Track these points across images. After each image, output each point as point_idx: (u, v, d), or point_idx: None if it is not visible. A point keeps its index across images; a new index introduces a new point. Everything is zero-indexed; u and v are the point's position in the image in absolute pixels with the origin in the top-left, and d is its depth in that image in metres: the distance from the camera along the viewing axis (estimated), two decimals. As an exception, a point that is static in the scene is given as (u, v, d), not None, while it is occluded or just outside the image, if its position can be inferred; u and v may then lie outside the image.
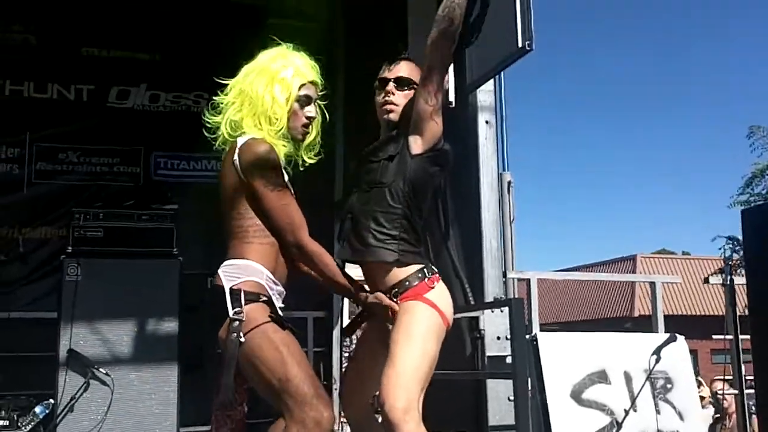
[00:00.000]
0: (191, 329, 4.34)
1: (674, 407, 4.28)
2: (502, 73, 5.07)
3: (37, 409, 4.10)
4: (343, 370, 6.78)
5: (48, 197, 5.99)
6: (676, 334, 4.45)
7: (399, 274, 2.74)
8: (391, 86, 2.90)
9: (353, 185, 2.97)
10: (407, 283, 2.72)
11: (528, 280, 4.40)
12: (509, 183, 5.13)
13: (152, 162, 6.40)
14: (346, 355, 6.96)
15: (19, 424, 4.05)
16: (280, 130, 2.69)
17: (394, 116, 2.89)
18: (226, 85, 2.75)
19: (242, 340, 2.45)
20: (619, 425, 4.08)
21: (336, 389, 6.74)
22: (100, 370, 4.18)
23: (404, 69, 2.93)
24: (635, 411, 4.17)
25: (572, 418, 4.03)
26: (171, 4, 6.01)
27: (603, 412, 4.13)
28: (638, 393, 4.20)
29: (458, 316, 4.81)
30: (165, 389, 4.27)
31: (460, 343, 4.90)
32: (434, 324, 2.71)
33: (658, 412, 4.22)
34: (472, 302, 4.81)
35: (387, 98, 2.89)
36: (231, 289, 2.51)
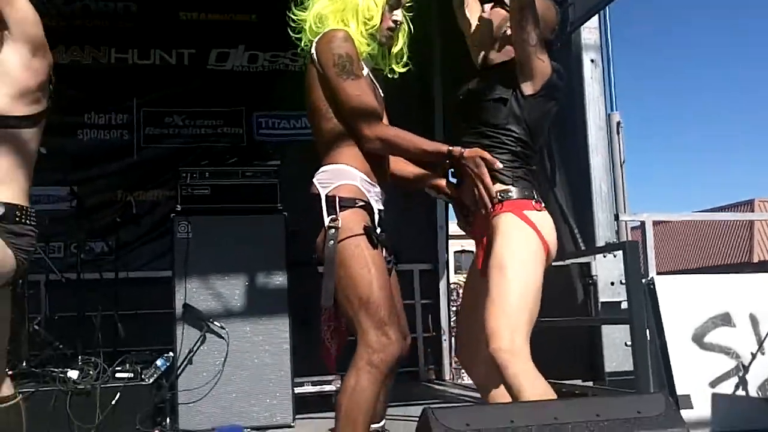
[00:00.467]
0: (299, 284, 4.37)
1: (806, 349, 4.04)
2: (606, 9, 4.85)
3: (158, 362, 4.23)
4: (452, 321, 6.77)
5: (157, 160, 6.19)
6: (805, 273, 4.21)
7: (505, 184, 2.56)
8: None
9: (458, 120, 2.84)
10: (510, 193, 2.54)
11: (642, 223, 4.21)
12: (618, 123, 4.92)
13: (254, 122, 6.50)
14: (454, 308, 6.95)
15: (142, 376, 4.19)
16: (372, 27, 2.61)
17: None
18: None
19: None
20: (746, 369, 3.90)
21: (445, 339, 6.75)
22: (215, 323, 4.27)
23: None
24: (762, 354, 3.97)
25: (694, 362, 3.87)
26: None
27: (728, 355, 3.95)
28: (766, 335, 3.99)
29: (569, 261, 4.69)
30: (278, 341, 4.32)
31: (571, 290, 4.78)
32: (535, 248, 2.49)
33: (788, 355, 4.00)
34: (583, 248, 4.67)
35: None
36: (326, 196, 2.47)
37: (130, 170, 6.15)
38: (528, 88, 2.62)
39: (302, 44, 2.67)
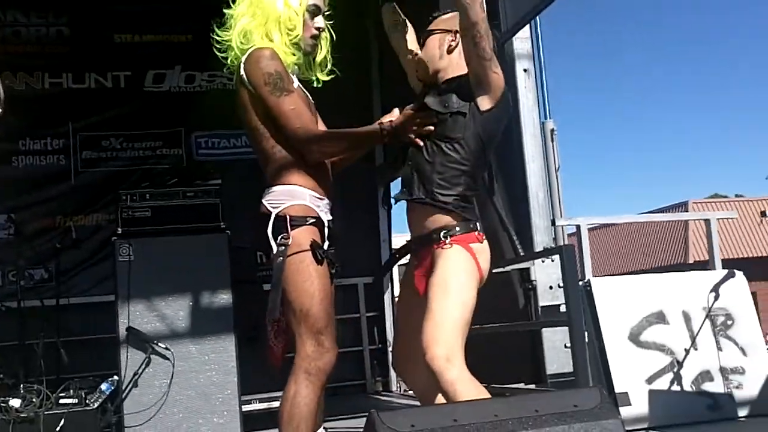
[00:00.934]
0: (244, 301, 4.38)
1: (736, 343, 4.21)
2: (537, 19, 5.00)
3: (103, 386, 4.19)
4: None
5: (95, 185, 6.13)
6: (735, 270, 4.37)
7: (451, 220, 2.70)
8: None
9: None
10: (457, 228, 2.69)
11: (578, 227, 4.34)
12: (552, 131, 5.07)
13: (193, 142, 6.49)
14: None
15: (87, 401, 4.15)
16: (295, 38, 2.69)
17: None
18: None
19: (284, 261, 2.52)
20: (680, 364, 4.04)
21: (391, 351, 6.80)
22: (160, 345, 4.25)
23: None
24: (696, 349, 4.11)
25: (631, 360, 4.00)
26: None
27: (662, 352, 4.08)
28: (698, 331, 4.14)
29: (508, 268, 4.80)
30: (224, 359, 4.32)
31: (512, 296, 4.89)
32: (472, 274, 2.67)
33: (719, 349, 4.16)
34: (522, 253, 4.79)
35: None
36: (276, 216, 2.57)
37: (68, 195, 6.08)
38: (485, 102, 2.70)
39: (229, 63, 2.74)
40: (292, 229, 2.55)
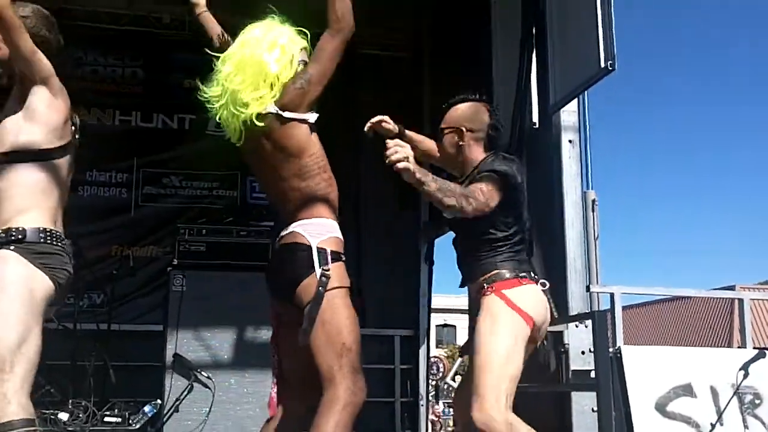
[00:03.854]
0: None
1: (763, 423, 4.23)
2: (585, 92, 5.19)
3: (146, 408, 4.41)
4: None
5: (154, 218, 6.43)
6: (766, 350, 4.42)
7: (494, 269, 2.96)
8: None
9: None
10: (497, 275, 2.93)
11: (612, 294, 4.46)
12: (593, 201, 5.21)
13: (248, 186, 6.77)
14: (432, 382, 7.07)
15: (130, 421, 4.36)
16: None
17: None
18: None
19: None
20: (706, 439, 4.08)
21: (422, 405, 6.89)
22: (203, 373, 4.45)
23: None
24: (722, 425, 4.15)
25: (657, 430, 4.05)
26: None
27: (688, 424, 4.12)
28: (725, 407, 4.17)
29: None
30: (261, 393, 4.50)
31: (545, 358, 4.98)
32: (515, 326, 2.86)
33: (746, 427, 4.19)
34: (556, 316, 4.89)
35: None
36: (318, 248, 2.65)
37: (127, 226, 6.38)
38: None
39: (218, 115, 2.91)
40: (332, 262, 2.63)
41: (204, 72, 6.84)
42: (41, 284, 2.45)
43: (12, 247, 2.43)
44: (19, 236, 2.44)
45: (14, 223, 2.47)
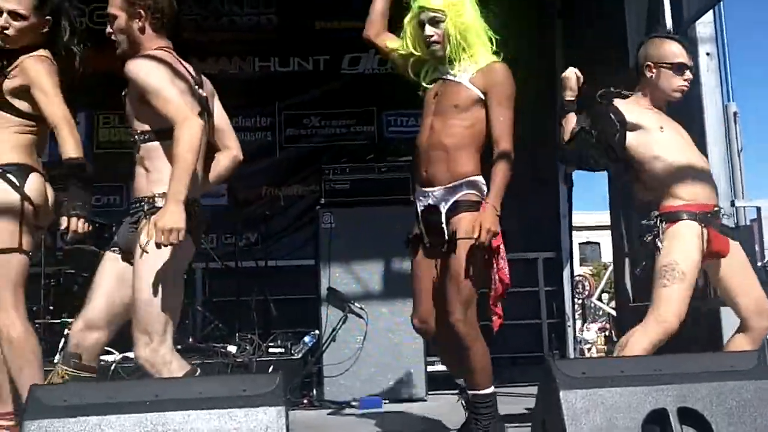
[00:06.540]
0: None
1: None
2: (721, 2, 4.99)
3: (306, 339, 4.75)
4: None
5: (297, 159, 6.76)
6: None
7: None
8: None
9: None
10: None
11: (758, 209, 4.37)
12: (735, 114, 5.05)
13: (384, 121, 6.97)
14: (579, 301, 7.13)
15: (292, 351, 4.72)
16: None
17: None
18: None
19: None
20: None
21: (569, 326, 7.00)
22: (356, 305, 4.74)
23: None
24: None
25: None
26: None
27: None
28: None
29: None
30: (413, 321, 4.74)
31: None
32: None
33: None
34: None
35: None
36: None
37: (274, 168, 6.74)
38: None
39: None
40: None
41: (335, 12, 7.06)
42: (191, 251, 2.69)
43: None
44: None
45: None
